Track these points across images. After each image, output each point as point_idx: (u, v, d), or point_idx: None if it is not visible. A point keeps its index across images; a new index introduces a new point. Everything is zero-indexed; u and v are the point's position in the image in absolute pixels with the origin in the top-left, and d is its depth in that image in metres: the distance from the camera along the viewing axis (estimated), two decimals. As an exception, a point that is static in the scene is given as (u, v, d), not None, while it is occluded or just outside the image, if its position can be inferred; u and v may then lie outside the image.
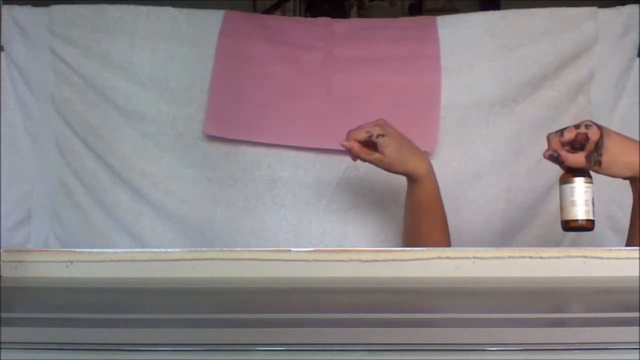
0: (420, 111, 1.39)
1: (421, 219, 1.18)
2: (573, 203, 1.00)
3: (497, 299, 0.77)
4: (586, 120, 1.01)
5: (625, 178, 1.02)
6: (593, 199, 1.01)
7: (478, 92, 1.40)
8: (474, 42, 1.41)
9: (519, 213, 1.41)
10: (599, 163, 0.99)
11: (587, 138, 0.99)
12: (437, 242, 1.18)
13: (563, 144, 1.01)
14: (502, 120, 1.40)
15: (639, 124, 1.37)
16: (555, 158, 1.01)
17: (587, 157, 0.99)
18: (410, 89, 1.40)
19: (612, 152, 0.98)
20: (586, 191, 1.00)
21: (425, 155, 1.17)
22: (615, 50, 1.40)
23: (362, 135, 1.12)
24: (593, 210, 1.00)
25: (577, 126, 1.00)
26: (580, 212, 1.00)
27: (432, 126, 1.38)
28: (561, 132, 1.01)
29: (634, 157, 0.99)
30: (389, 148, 1.11)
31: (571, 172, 1.01)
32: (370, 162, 1.14)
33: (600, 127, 1.00)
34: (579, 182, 1.00)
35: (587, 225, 1.00)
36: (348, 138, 1.13)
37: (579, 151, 1.00)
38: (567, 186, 1.01)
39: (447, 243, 1.20)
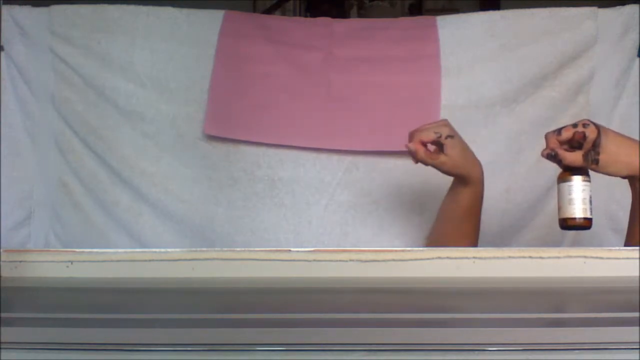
0: (420, 111, 1.39)
1: (461, 223, 1.16)
2: (571, 201, 1.00)
3: (497, 299, 0.77)
4: (584, 119, 1.02)
5: (623, 177, 1.02)
6: (591, 197, 1.01)
7: (478, 92, 1.40)
8: (474, 42, 1.41)
9: (519, 213, 1.41)
10: (597, 161, 0.99)
11: (584, 137, 0.99)
12: (469, 245, 1.17)
13: (561, 143, 1.01)
14: (502, 120, 1.40)
15: (639, 124, 1.37)
16: (553, 157, 1.01)
17: (585, 156, 0.99)
18: (410, 89, 1.40)
19: (610, 151, 0.99)
20: (584, 189, 1.00)
21: (479, 160, 1.14)
22: (615, 50, 1.40)
23: (431, 136, 1.08)
24: (591, 209, 1.00)
25: (574, 125, 1.01)
26: (578, 210, 1.00)
27: (432, 126, 1.38)
28: (559, 131, 1.01)
29: (631, 156, 1.00)
30: (456, 149, 1.09)
31: (569, 170, 1.01)
32: (434, 165, 1.10)
33: (597, 126, 1.00)
34: (577, 180, 1.00)
35: (585, 224, 1.00)
36: (413, 139, 1.09)
37: (576, 150, 1.00)
38: (565, 184, 1.01)
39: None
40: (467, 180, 1.12)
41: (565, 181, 1.01)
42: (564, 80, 1.40)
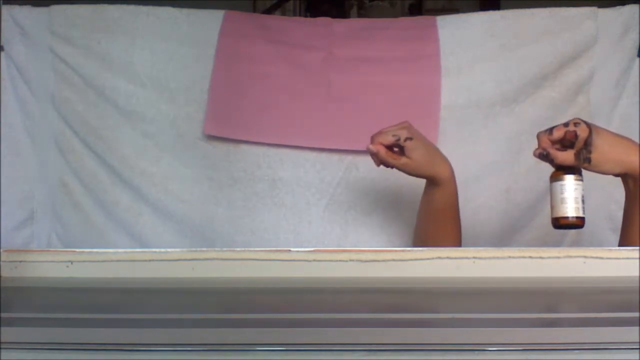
0: (420, 111, 1.39)
1: (438, 223, 1.17)
2: (563, 200, 1.01)
3: (497, 299, 0.77)
4: (575, 118, 1.02)
5: (616, 175, 1.03)
6: (583, 196, 1.01)
7: (478, 92, 1.40)
8: (474, 42, 1.41)
9: (519, 213, 1.41)
10: (589, 160, 1.00)
11: (576, 136, 1.00)
12: (452, 244, 1.17)
13: (553, 142, 1.02)
14: (502, 120, 1.40)
15: (639, 124, 1.37)
16: (545, 156, 1.02)
17: (577, 155, 1.00)
18: (410, 89, 1.40)
19: (602, 150, 0.99)
20: (576, 188, 1.01)
21: (447, 159, 1.15)
22: (615, 50, 1.40)
23: (390, 139, 1.09)
24: (583, 208, 1.01)
25: (566, 124, 1.01)
26: (570, 209, 1.00)
27: (432, 126, 1.38)
28: (550, 130, 1.02)
29: (623, 154, 1.00)
30: (417, 151, 1.09)
31: (561, 169, 1.02)
32: (396, 167, 1.11)
33: (589, 125, 1.01)
34: (569, 179, 1.01)
35: (577, 223, 1.01)
36: (373, 142, 1.10)
37: (568, 149, 1.01)
38: (557, 184, 1.02)
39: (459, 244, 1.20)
40: (435, 180, 1.13)
41: (558, 180, 1.02)
42: (564, 80, 1.40)
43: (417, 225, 1.23)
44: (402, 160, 1.10)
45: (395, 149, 1.11)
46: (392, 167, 1.11)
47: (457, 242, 1.19)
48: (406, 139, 1.09)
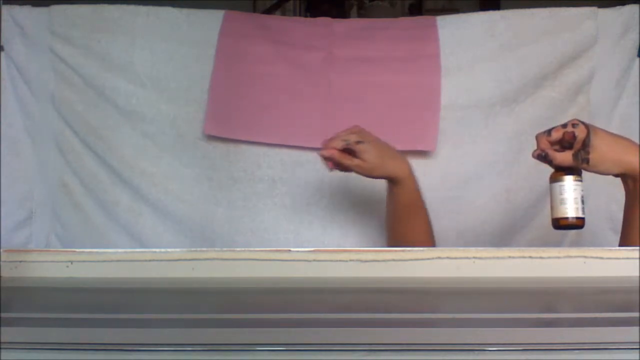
0: (420, 111, 1.39)
1: (402, 220, 1.19)
2: (562, 201, 1.01)
3: (497, 299, 0.77)
4: (573, 119, 1.03)
5: (615, 175, 1.04)
6: (583, 197, 1.02)
7: (478, 92, 1.40)
8: (474, 42, 1.41)
9: (519, 213, 1.41)
10: (587, 161, 1.00)
11: (574, 137, 1.01)
12: (421, 243, 1.18)
13: (552, 143, 1.03)
14: (502, 120, 1.40)
15: (639, 124, 1.37)
16: (543, 157, 1.03)
17: (575, 155, 1.00)
18: (410, 89, 1.40)
19: (600, 150, 1.00)
20: (575, 189, 1.01)
21: (405, 157, 1.17)
22: (615, 50, 1.40)
23: (340, 144, 1.13)
24: (583, 208, 1.01)
25: (564, 125, 1.02)
26: (570, 210, 1.01)
27: (432, 126, 1.38)
28: (549, 131, 1.03)
29: (621, 154, 1.01)
30: (368, 154, 1.12)
31: (561, 170, 1.02)
32: (351, 167, 1.14)
33: (587, 125, 1.01)
34: (568, 180, 1.01)
35: (577, 223, 1.01)
36: (326, 147, 1.13)
37: (567, 150, 1.01)
38: (557, 184, 1.02)
39: (431, 244, 1.20)
40: (393, 180, 1.16)
41: (557, 181, 1.02)
42: (564, 80, 1.40)
43: (385, 224, 1.24)
44: (355, 162, 1.12)
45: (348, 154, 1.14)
46: (347, 169, 1.14)
47: (427, 239, 1.20)
48: (356, 142, 1.12)
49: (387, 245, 1.25)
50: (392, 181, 1.16)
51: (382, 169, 1.14)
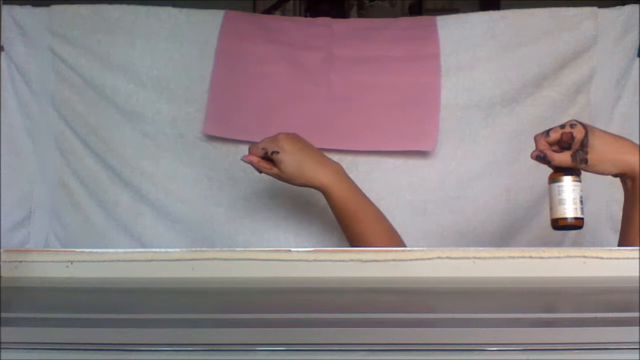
0: (420, 111, 1.39)
1: (345, 226, 1.20)
2: (561, 202, 1.01)
3: (497, 299, 0.77)
4: (571, 120, 1.03)
5: (614, 175, 1.04)
6: (582, 197, 1.02)
7: (478, 92, 1.40)
8: (474, 42, 1.41)
9: (519, 213, 1.41)
10: (585, 161, 1.01)
11: (572, 137, 1.01)
12: (378, 243, 1.18)
13: (550, 144, 1.03)
14: (502, 120, 1.40)
15: (639, 124, 1.37)
16: (542, 158, 1.03)
17: (573, 156, 1.01)
18: (410, 89, 1.40)
19: (598, 150, 1.00)
20: (574, 189, 1.01)
21: (330, 164, 1.17)
22: (615, 50, 1.40)
23: (259, 152, 1.15)
24: (582, 209, 1.01)
25: (562, 126, 1.03)
26: (568, 210, 1.01)
27: (432, 126, 1.38)
28: (547, 132, 1.03)
29: (620, 154, 1.01)
30: (283, 164, 1.14)
31: (559, 171, 1.02)
32: (271, 175, 1.17)
33: (585, 126, 1.02)
34: (567, 180, 1.01)
35: (576, 224, 1.01)
36: (249, 153, 1.16)
37: (565, 151, 1.01)
38: (555, 185, 1.02)
39: (392, 242, 1.20)
40: (317, 189, 1.17)
41: (556, 182, 1.02)
42: (564, 80, 1.40)
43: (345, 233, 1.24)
44: (273, 170, 1.16)
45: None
46: (269, 174, 1.17)
47: (385, 240, 1.19)
48: (272, 152, 1.14)
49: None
50: (319, 191, 1.18)
51: (301, 179, 1.16)
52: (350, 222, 1.18)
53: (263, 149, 1.15)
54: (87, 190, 1.44)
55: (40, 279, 0.83)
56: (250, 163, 1.16)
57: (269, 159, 1.16)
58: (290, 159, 1.14)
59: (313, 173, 1.16)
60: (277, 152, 1.14)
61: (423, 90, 1.39)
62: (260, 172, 1.17)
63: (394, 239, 1.21)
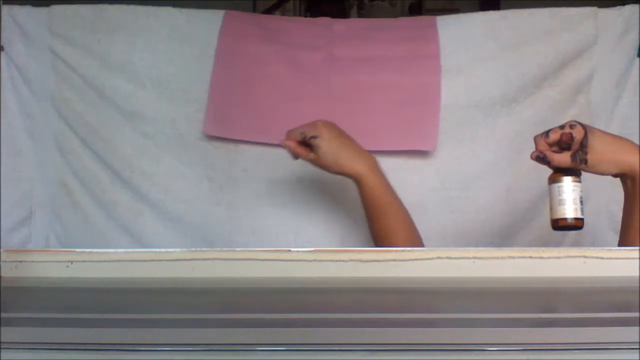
0: (420, 111, 1.39)
1: (373, 218, 1.19)
2: (561, 202, 1.01)
3: (497, 299, 0.77)
4: (571, 121, 1.03)
5: (613, 175, 1.04)
6: (582, 197, 1.02)
7: (478, 92, 1.40)
8: (474, 42, 1.41)
9: (519, 213, 1.41)
10: (585, 161, 1.01)
11: (572, 138, 1.01)
12: (400, 240, 1.18)
13: (550, 145, 1.03)
14: (502, 120, 1.40)
15: (639, 124, 1.37)
16: (541, 159, 1.04)
17: (573, 156, 1.01)
18: (410, 89, 1.40)
19: (597, 150, 1.01)
20: (574, 190, 1.01)
21: (366, 155, 1.18)
22: (615, 50, 1.40)
23: (297, 136, 1.15)
24: (582, 209, 1.01)
25: (561, 127, 1.03)
26: (568, 210, 1.01)
27: (432, 126, 1.38)
28: (547, 133, 1.04)
29: (619, 154, 1.01)
30: (320, 149, 1.14)
31: (559, 171, 1.03)
32: (307, 160, 1.17)
33: (584, 126, 1.02)
34: (567, 181, 1.01)
35: (577, 224, 1.01)
36: (287, 137, 1.16)
37: (565, 151, 1.02)
38: (555, 185, 1.02)
39: (412, 240, 1.20)
40: (351, 177, 1.17)
41: (556, 182, 1.02)
42: (564, 80, 1.40)
43: (368, 226, 1.24)
44: (310, 155, 1.16)
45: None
46: (306, 159, 1.17)
47: (406, 237, 1.19)
48: (310, 137, 1.14)
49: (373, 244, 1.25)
50: (352, 179, 1.18)
51: (337, 167, 1.16)
52: (379, 215, 1.18)
53: (301, 133, 1.15)
54: (87, 190, 1.44)
55: (40, 279, 0.83)
56: (288, 147, 1.16)
57: (306, 144, 1.16)
58: (328, 145, 1.14)
59: (349, 161, 1.16)
60: (316, 137, 1.14)
61: (423, 90, 1.39)
62: (297, 157, 1.17)
63: (416, 241, 1.21)
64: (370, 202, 1.18)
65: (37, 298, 0.80)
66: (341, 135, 1.17)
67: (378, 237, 1.20)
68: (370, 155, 1.18)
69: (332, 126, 1.17)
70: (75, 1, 1.45)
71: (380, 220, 1.19)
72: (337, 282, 0.80)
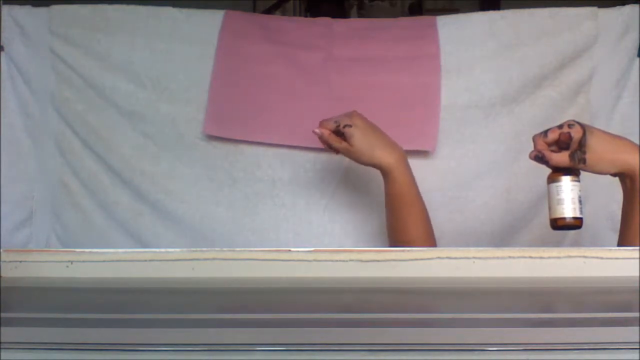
0: (420, 111, 1.39)
1: (395, 213, 1.20)
2: (560, 202, 1.02)
3: (497, 299, 0.77)
4: (569, 120, 1.04)
5: (612, 174, 1.04)
6: (581, 197, 1.02)
7: (478, 92, 1.40)
8: (474, 42, 1.41)
9: (519, 213, 1.41)
10: (584, 161, 1.01)
11: (570, 137, 1.02)
12: (417, 236, 1.19)
13: (548, 144, 1.04)
14: (502, 120, 1.40)
15: (639, 124, 1.37)
16: (540, 158, 1.04)
17: (572, 156, 1.01)
18: (410, 89, 1.40)
19: (596, 150, 1.01)
20: (573, 189, 1.01)
21: (397, 148, 1.19)
22: (615, 50, 1.40)
23: (331, 125, 1.16)
24: (581, 209, 1.01)
25: (560, 126, 1.03)
26: (567, 210, 1.01)
27: (432, 126, 1.38)
28: (545, 132, 1.04)
29: (618, 154, 1.02)
30: (354, 138, 1.15)
31: (558, 171, 1.03)
32: (339, 150, 1.17)
33: (583, 126, 1.02)
34: (566, 180, 1.02)
35: (575, 224, 1.01)
36: (320, 126, 1.17)
37: (564, 151, 1.02)
38: (554, 185, 1.02)
39: (428, 237, 1.21)
40: (380, 168, 1.18)
41: (554, 182, 1.03)
42: (564, 80, 1.40)
43: (386, 220, 1.25)
44: (342, 145, 1.16)
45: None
46: (336, 151, 1.18)
47: (423, 233, 1.20)
48: (345, 126, 1.15)
49: (387, 243, 1.25)
50: (382, 170, 1.18)
51: (369, 157, 1.16)
52: (401, 208, 1.19)
53: (335, 122, 1.16)
54: (87, 190, 1.44)
55: (40, 279, 0.83)
56: (321, 135, 1.16)
57: (339, 134, 1.16)
58: (362, 134, 1.15)
59: (382, 153, 1.16)
60: (350, 126, 1.15)
61: (423, 90, 1.39)
62: (330, 146, 1.18)
63: (431, 240, 1.22)
64: (396, 195, 1.18)
65: (37, 298, 0.80)
66: (375, 127, 1.18)
67: (396, 230, 1.21)
68: (401, 148, 1.19)
69: (365, 118, 1.18)
70: (75, 1, 1.45)
71: (401, 213, 1.19)
72: (337, 282, 0.80)
